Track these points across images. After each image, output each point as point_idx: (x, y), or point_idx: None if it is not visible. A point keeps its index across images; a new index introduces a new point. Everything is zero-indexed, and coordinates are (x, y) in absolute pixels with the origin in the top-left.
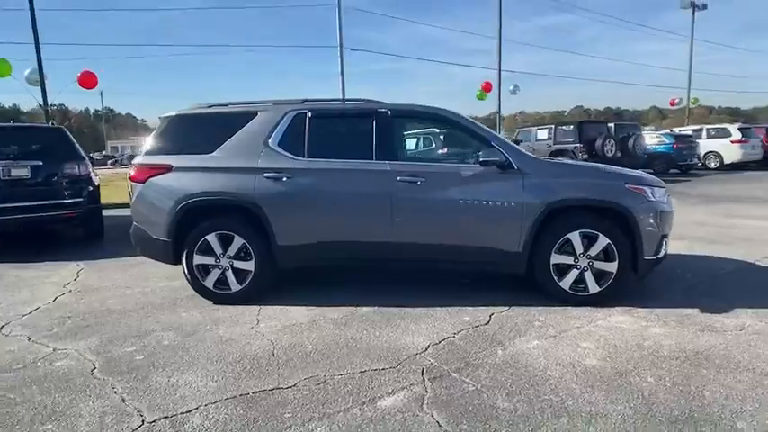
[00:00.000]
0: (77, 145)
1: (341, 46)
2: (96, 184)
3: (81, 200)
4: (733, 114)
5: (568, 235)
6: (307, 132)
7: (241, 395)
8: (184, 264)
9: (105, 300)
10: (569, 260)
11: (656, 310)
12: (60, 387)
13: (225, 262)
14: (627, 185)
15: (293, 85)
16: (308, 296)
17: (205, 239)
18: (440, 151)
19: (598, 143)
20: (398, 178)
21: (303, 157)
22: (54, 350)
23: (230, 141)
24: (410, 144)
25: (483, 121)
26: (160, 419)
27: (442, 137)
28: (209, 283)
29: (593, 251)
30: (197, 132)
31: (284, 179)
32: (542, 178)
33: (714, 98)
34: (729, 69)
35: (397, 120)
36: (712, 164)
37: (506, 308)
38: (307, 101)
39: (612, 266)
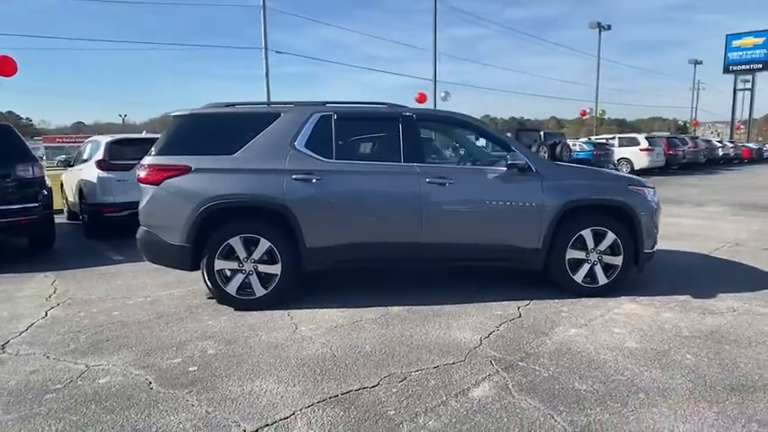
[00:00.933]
0: (27, 144)
1: (266, 48)
2: (50, 187)
3: (35, 205)
4: (621, 125)
5: (581, 232)
6: (333, 134)
7: (331, 398)
8: (204, 270)
9: (109, 312)
10: (582, 255)
11: (655, 298)
12: (124, 404)
13: (249, 266)
14: (630, 186)
15: (203, 88)
16: (330, 299)
17: (228, 243)
18: (461, 154)
19: (533, 149)
20: (427, 180)
21: (331, 158)
22: (88, 367)
23: (254, 142)
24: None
25: None
26: (263, 428)
27: (460, 141)
28: (232, 289)
29: (602, 246)
30: (216, 133)
31: (314, 181)
32: (558, 180)
33: (607, 109)
34: (618, 84)
35: (421, 123)
36: (624, 169)
37: (527, 302)
38: (328, 103)
39: (618, 260)
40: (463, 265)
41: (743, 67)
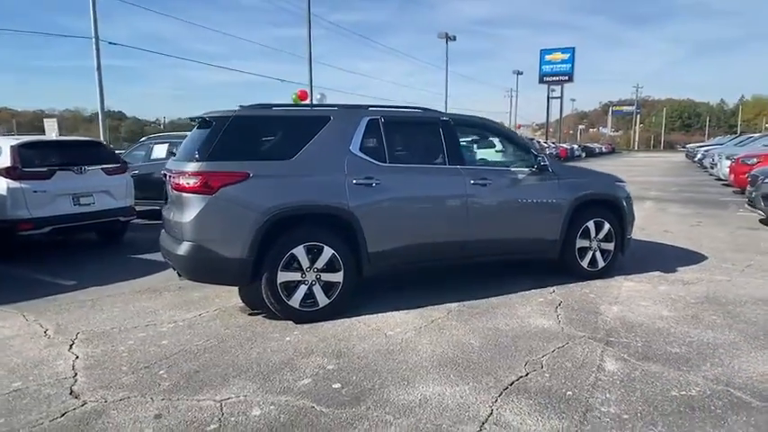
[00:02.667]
0: None
1: (96, 38)
2: None
3: None
4: None
5: (587, 223)
6: (384, 138)
7: (505, 389)
8: (265, 283)
9: (158, 341)
10: (586, 243)
11: (640, 276)
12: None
13: (311, 276)
14: (616, 183)
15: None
16: (380, 303)
17: (291, 253)
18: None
19: None
20: (471, 181)
21: (385, 162)
22: (218, 402)
23: (310, 147)
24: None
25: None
26: (483, 426)
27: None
28: (295, 301)
29: (600, 235)
30: (268, 136)
31: (373, 185)
32: (568, 179)
33: None
34: (439, 89)
35: (458, 128)
36: None
37: (553, 287)
38: (370, 107)
39: (611, 246)
40: (499, 260)
41: (554, 78)
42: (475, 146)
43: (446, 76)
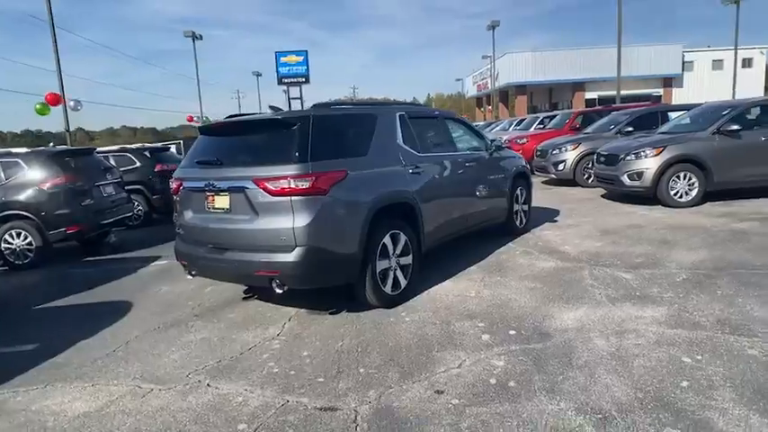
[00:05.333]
0: None
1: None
2: None
3: None
4: (155, 134)
5: (517, 191)
6: (412, 131)
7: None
8: (369, 275)
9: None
10: (518, 207)
11: (541, 225)
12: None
13: (394, 262)
14: (520, 159)
15: None
16: (429, 277)
17: (383, 243)
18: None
19: None
20: (467, 164)
21: (419, 152)
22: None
23: (375, 142)
24: None
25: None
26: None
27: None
28: (389, 287)
29: (522, 199)
30: (344, 134)
31: (420, 173)
32: (504, 159)
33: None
34: (154, 89)
35: (448, 121)
36: None
37: (510, 243)
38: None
39: (527, 207)
40: (478, 229)
41: (292, 80)
42: (455, 135)
43: (197, 78)
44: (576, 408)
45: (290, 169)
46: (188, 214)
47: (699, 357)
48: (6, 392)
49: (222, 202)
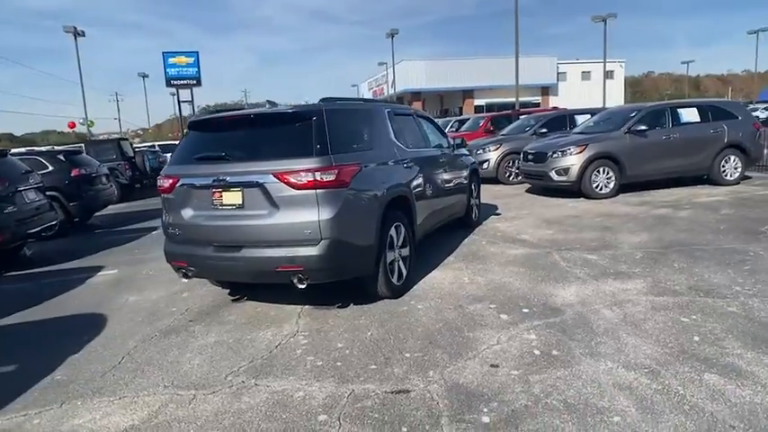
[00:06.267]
0: None
1: None
2: None
3: None
4: (10, 140)
5: (472, 186)
6: (401, 127)
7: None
8: (382, 266)
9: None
10: (473, 201)
11: (492, 218)
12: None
13: (397, 253)
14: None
15: None
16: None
17: (390, 234)
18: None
19: (138, 159)
20: (440, 160)
21: (407, 147)
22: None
23: (376, 137)
24: None
25: None
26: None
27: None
28: (395, 278)
29: (475, 194)
30: (350, 129)
31: (412, 167)
32: (462, 156)
33: None
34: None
35: (420, 118)
36: None
37: (473, 235)
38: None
39: (478, 201)
40: (445, 224)
41: (182, 81)
42: (428, 131)
43: (80, 78)
44: (624, 365)
45: (314, 162)
46: (187, 213)
47: (694, 317)
48: (16, 416)
49: (232, 198)
